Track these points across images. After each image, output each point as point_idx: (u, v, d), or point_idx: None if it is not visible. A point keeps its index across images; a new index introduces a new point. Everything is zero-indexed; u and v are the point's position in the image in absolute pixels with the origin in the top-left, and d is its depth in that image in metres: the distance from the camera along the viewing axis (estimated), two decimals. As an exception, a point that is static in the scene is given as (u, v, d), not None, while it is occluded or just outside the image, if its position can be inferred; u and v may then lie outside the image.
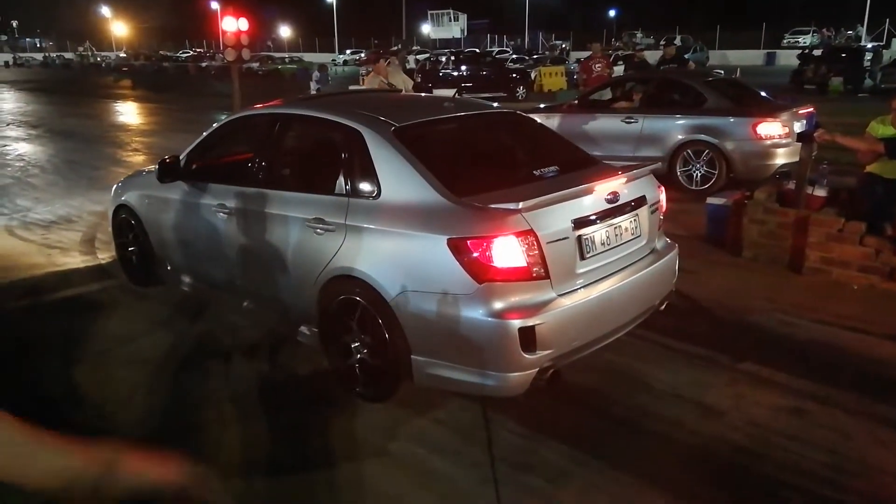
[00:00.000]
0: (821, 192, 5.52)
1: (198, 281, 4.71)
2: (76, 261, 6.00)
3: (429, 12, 58.62)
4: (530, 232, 2.98)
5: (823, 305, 4.67)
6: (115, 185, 5.50)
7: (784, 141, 7.52)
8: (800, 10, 50.06)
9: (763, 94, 8.91)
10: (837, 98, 19.43)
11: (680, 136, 8.05)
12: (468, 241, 2.96)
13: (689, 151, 8.01)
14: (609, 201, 3.34)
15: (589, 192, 3.25)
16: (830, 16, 47.60)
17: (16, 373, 3.98)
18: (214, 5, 55.23)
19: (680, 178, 8.10)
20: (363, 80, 21.53)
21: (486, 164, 3.81)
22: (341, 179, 3.57)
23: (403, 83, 9.15)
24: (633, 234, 3.52)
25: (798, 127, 7.48)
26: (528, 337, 2.94)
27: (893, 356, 3.98)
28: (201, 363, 4.06)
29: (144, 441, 3.16)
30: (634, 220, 3.52)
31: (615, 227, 3.39)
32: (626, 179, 3.46)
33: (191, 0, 69.54)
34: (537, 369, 3.02)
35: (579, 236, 3.19)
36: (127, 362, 4.07)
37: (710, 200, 6.18)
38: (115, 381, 3.83)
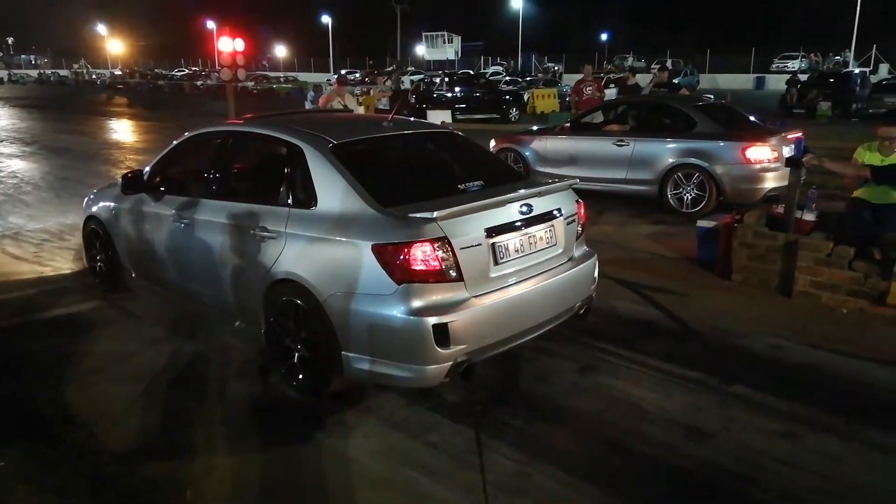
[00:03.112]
0: (810, 217, 5.60)
1: (159, 287, 4.99)
2: (68, 279, 5.98)
3: (423, 34, 59.16)
4: (444, 239, 3.29)
5: (813, 329, 4.71)
6: (85, 198, 5.83)
7: (773, 165, 7.62)
8: (789, 36, 50.85)
9: (752, 118, 9.04)
10: (825, 122, 19.68)
11: (671, 160, 8.15)
12: (388, 247, 3.28)
13: (679, 174, 8.10)
14: (523, 213, 3.65)
15: (502, 203, 3.56)
16: (819, 41, 48.37)
17: (7, 391, 3.95)
18: (210, 24, 55.65)
19: (671, 200, 8.18)
20: (357, 99, 21.74)
21: (414, 178, 4.14)
22: (283, 191, 3.90)
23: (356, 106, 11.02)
24: (548, 243, 3.84)
25: (787, 151, 7.60)
26: (441, 333, 3.24)
27: (883, 380, 4.02)
28: (192, 383, 4.05)
29: (134, 460, 3.16)
30: (550, 230, 3.85)
31: (529, 237, 3.71)
32: (540, 193, 3.79)
33: (187, 19, 70.00)
34: (451, 363, 3.31)
35: (493, 243, 3.50)
36: (118, 381, 4.05)
37: (700, 223, 6.23)
38: (107, 400, 3.81)
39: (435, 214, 3.25)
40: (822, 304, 5.12)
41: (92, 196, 5.74)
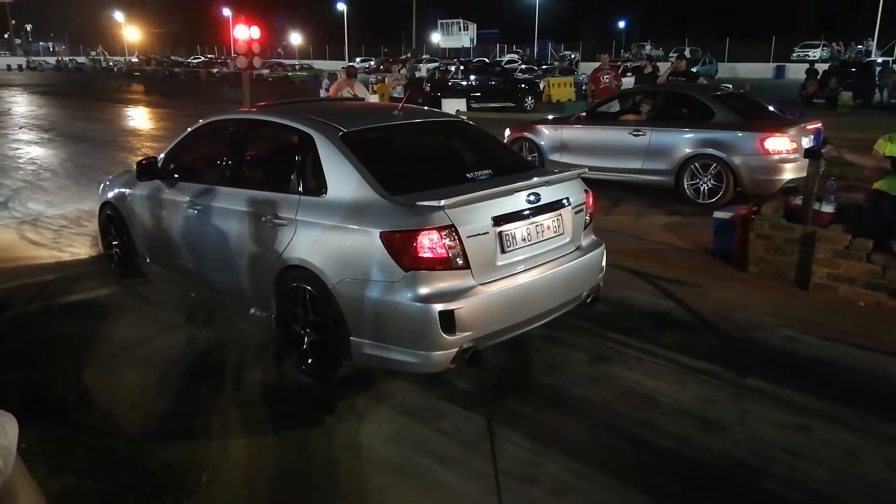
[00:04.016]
0: (828, 208, 5.53)
1: (173, 272, 5.05)
2: (86, 265, 6.05)
3: (439, 21, 58.83)
4: (451, 227, 3.32)
5: (829, 322, 4.67)
6: (101, 185, 5.92)
7: (792, 156, 7.53)
8: (810, 24, 50.04)
9: (771, 108, 8.93)
10: (846, 113, 19.39)
11: (688, 150, 8.07)
12: (397, 234, 3.33)
13: (696, 165, 8.03)
14: (530, 202, 3.66)
15: (509, 192, 3.58)
16: (841, 30, 47.56)
17: (27, 375, 4.01)
18: (226, 12, 55.72)
19: (687, 191, 8.11)
20: (372, 88, 21.73)
21: (423, 166, 4.15)
22: (294, 178, 3.95)
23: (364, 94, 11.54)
24: (555, 232, 3.86)
25: (806, 142, 7.51)
26: (447, 320, 3.29)
27: (899, 374, 3.98)
28: (208, 369, 4.09)
29: (149, 445, 3.20)
30: (557, 219, 3.86)
31: (537, 225, 3.73)
32: (548, 182, 3.80)
33: (203, 7, 70.11)
34: (457, 349, 3.36)
35: (500, 232, 3.53)
36: (135, 366, 4.10)
37: (717, 214, 6.18)
38: (124, 386, 3.87)
39: (442, 203, 3.28)
40: (840, 296, 5.07)
41: (108, 182, 5.82)
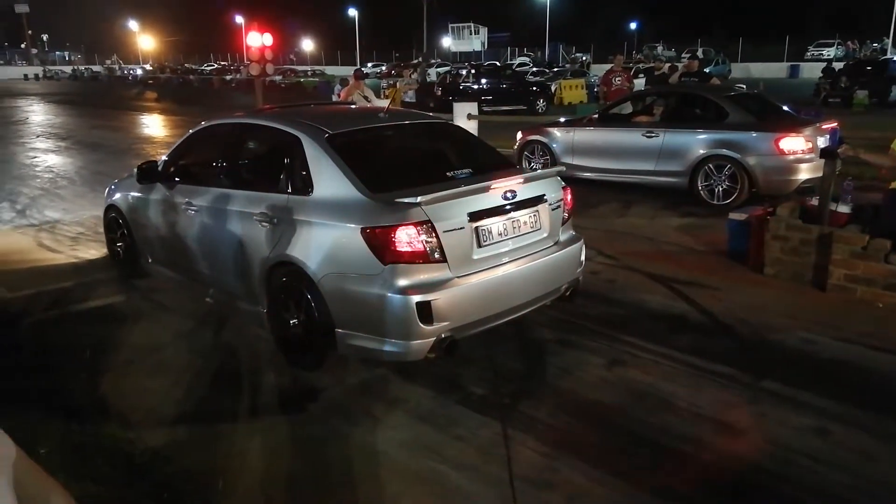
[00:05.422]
0: (844, 209, 5.47)
1: (172, 271, 5.24)
2: (103, 271, 6.10)
3: (450, 25, 59.00)
4: (428, 222, 3.49)
5: (847, 324, 4.62)
6: (107, 188, 6.15)
7: (807, 156, 7.46)
8: (824, 23, 49.60)
9: (786, 108, 8.85)
10: (862, 112, 19.18)
11: (701, 151, 8.02)
12: (377, 230, 3.50)
13: (710, 166, 7.97)
14: (507, 198, 3.81)
15: (485, 189, 3.73)
16: (855, 28, 47.09)
17: (45, 382, 4.06)
18: (239, 20, 56.19)
19: (701, 192, 8.06)
20: (384, 93, 21.77)
21: (404, 166, 4.34)
22: (283, 179, 4.13)
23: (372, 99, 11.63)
24: (532, 228, 4.00)
25: (821, 142, 7.44)
26: (425, 310, 3.45)
27: (920, 376, 3.92)
28: (223, 374, 4.12)
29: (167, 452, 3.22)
30: (534, 215, 4.01)
31: (513, 221, 3.88)
32: (523, 180, 3.94)
33: (216, 14, 70.76)
34: (435, 338, 3.51)
35: (476, 227, 3.68)
36: (151, 373, 4.14)
37: (732, 216, 6.14)
38: (141, 392, 3.90)
39: (419, 199, 3.44)
40: (858, 298, 5.01)
41: (113, 186, 6.05)
